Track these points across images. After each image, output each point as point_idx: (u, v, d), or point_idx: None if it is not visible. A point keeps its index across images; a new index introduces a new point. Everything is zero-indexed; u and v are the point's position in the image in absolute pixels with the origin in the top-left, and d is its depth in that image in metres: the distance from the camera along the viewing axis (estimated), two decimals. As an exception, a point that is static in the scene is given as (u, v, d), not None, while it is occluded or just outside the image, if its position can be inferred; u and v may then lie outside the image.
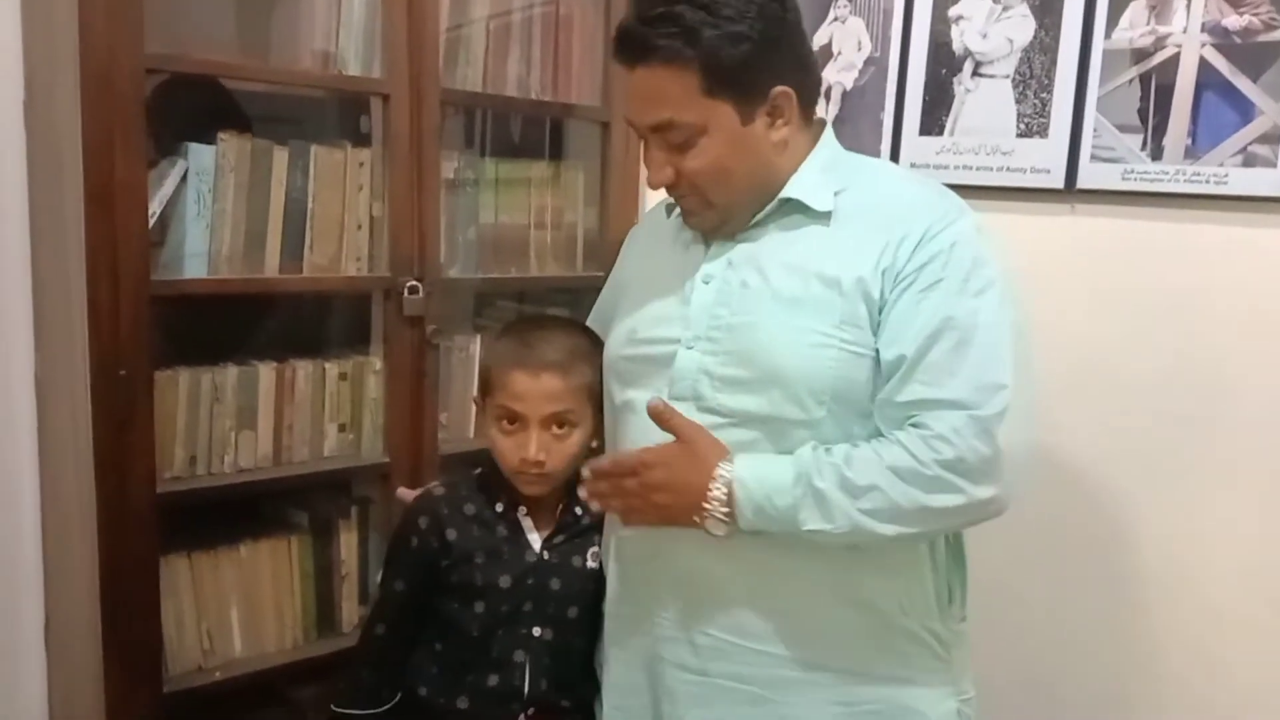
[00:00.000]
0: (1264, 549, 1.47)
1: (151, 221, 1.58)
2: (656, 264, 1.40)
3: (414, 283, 1.81)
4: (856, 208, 1.27)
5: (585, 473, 1.26)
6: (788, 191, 1.29)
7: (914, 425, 1.16)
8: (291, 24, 1.87)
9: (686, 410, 1.27)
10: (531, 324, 1.49)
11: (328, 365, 1.81)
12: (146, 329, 1.56)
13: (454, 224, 1.96)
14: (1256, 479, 1.47)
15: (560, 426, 1.39)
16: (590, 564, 1.44)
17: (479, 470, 1.48)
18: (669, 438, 1.25)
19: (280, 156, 1.72)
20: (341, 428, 1.83)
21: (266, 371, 1.75)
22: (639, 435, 1.32)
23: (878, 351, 1.21)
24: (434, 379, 1.88)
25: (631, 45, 1.21)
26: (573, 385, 1.39)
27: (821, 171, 1.30)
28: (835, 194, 1.27)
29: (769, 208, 1.30)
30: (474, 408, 1.52)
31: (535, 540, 1.43)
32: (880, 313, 1.22)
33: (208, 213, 1.65)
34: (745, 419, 1.24)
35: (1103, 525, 1.61)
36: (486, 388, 1.42)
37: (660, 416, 1.23)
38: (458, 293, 2.04)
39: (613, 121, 2.15)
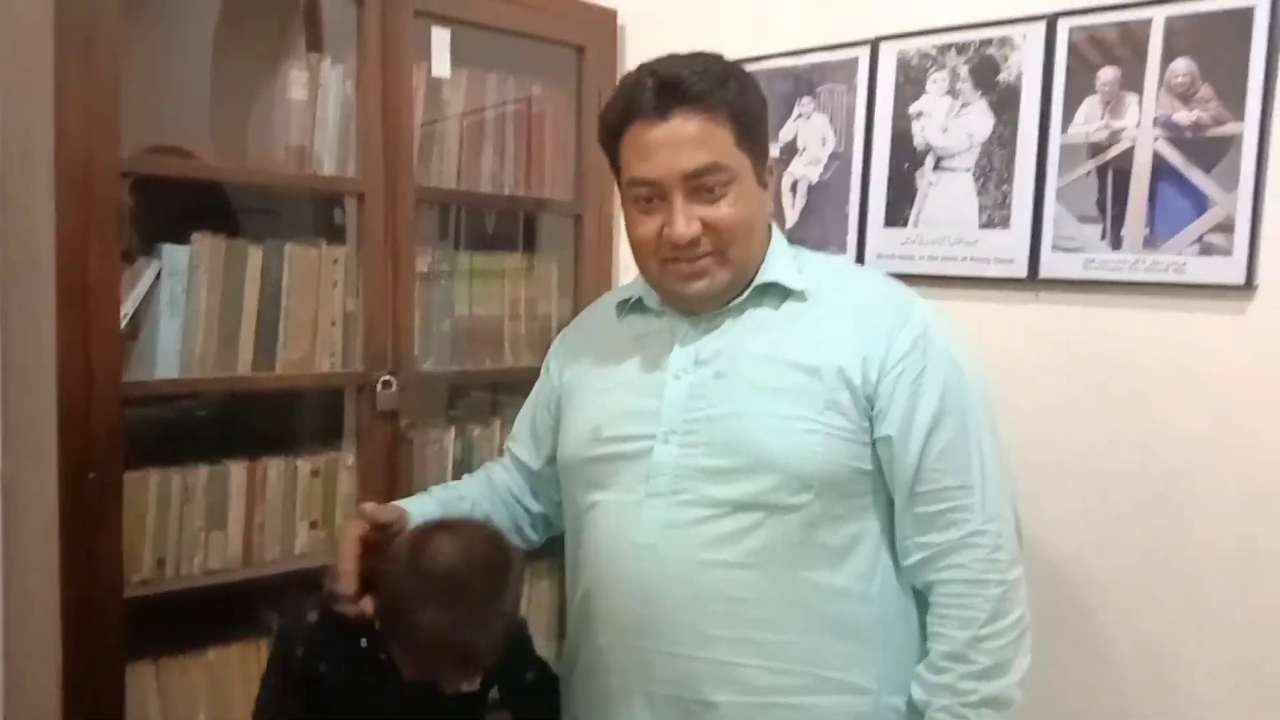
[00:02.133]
0: (1242, 633, 1.47)
1: (124, 322, 1.58)
2: (612, 364, 1.40)
3: (387, 377, 1.81)
4: (823, 296, 1.33)
5: None
6: (766, 276, 1.33)
7: (965, 545, 1.25)
8: (268, 121, 1.89)
9: (665, 505, 1.27)
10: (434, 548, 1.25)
11: (299, 462, 1.79)
12: (118, 431, 1.55)
13: (429, 317, 1.97)
14: (1229, 565, 1.48)
15: None
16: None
17: (363, 644, 1.31)
18: (641, 538, 1.26)
19: (255, 255, 1.73)
20: (313, 525, 1.81)
21: (238, 470, 1.73)
22: (605, 538, 1.32)
23: (871, 437, 1.27)
24: (408, 473, 1.87)
25: (669, 93, 1.24)
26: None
27: (789, 258, 1.37)
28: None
29: (746, 293, 1.33)
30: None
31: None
32: (868, 400, 1.27)
33: (181, 313, 1.66)
34: (738, 506, 1.25)
35: (1084, 614, 1.60)
36: None
37: None
38: (432, 385, 2.04)
39: (585, 214, 2.18)
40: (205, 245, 1.68)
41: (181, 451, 1.72)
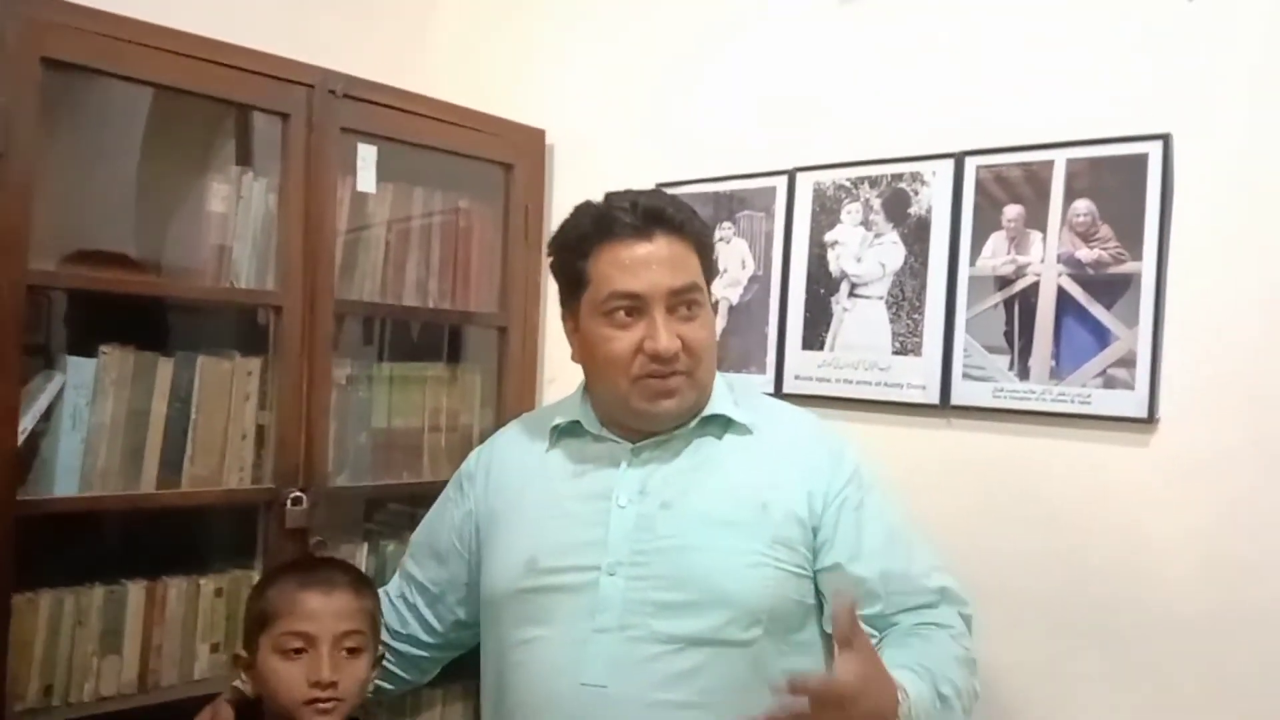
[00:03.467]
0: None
1: (21, 439, 1.52)
2: (546, 491, 1.38)
3: (297, 494, 1.77)
4: (762, 430, 1.36)
5: (785, 684, 1.08)
6: (713, 408, 1.35)
7: (928, 624, 1.29)
8: (188, 232, 1.87)
9: (613, 642, 1.23)
10: (304, 560, 1.49)
11: (203, 581, 1.73)
12: (8, 550, 1.48)
13: (345, 429, 1.93)
14: (1152, 687, 1.48)
15: (351, 651, 1.35)
16: None
17: None
18: (588, 678, 1.22)
19: (165, 368, 1.69)
20: (214, 648, 1.74)
21: (136, 590, 1.66)
22: (544, 679, 1.26)
23: (813, 568, 1.30)
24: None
25: (651, 217, 1.30)
26: (364, 606, 1.38)
27: (726, 389, 1.39)
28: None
29: (693, 422, 1.34)
30: (237, 665, 1.43)
31: None
32: (813, 531, 1.30)
33: (83, 427, 1.60)
34: (689, 643, 1.22)
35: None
36: (263, 624, 1.36)
37: (851, 629, 1.08)
38: (346, 500, 1.99)
39: (510, 326, 2.19)
40: (113, 359, 1.64)
41: (78, 572, 1.65)
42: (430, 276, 2.10)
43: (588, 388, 1.43)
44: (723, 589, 1.23)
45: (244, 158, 1.91)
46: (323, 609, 1.34)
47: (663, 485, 1.31)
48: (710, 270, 1.38)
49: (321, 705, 1.31)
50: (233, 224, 1.81)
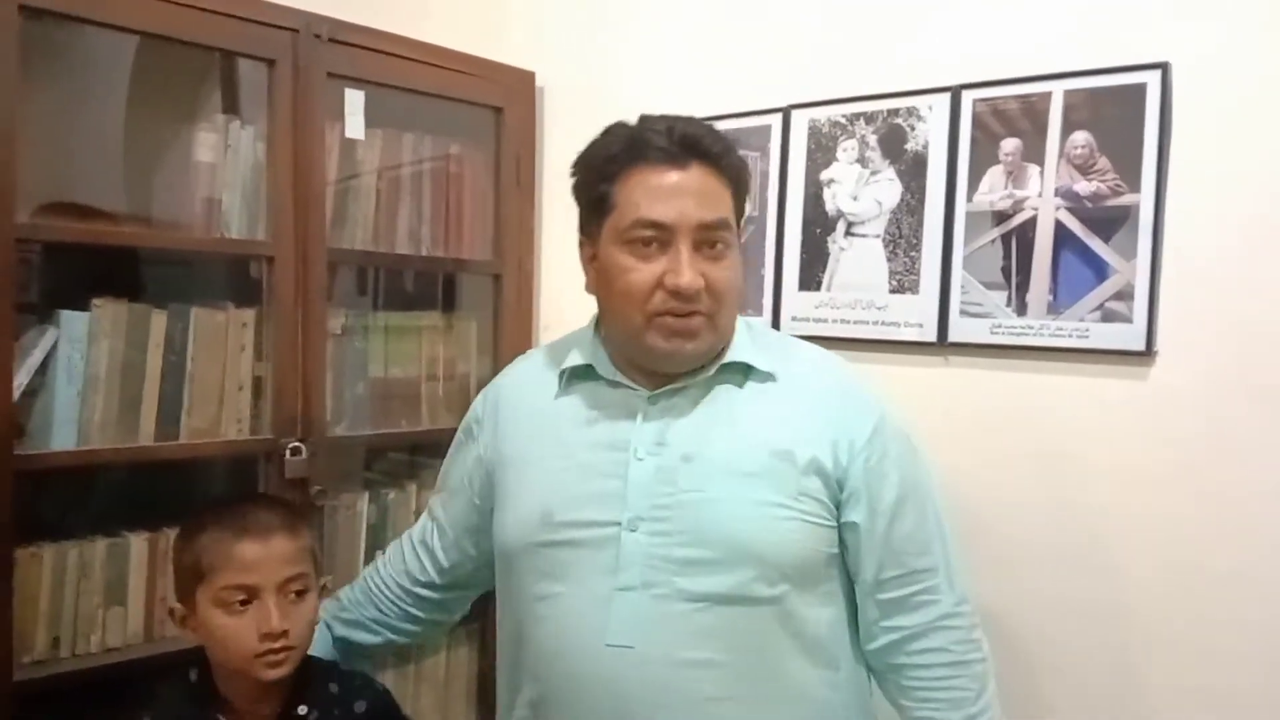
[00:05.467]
0: (1163, 694, 1.49)
1: (18, 393, 1.52)
2: (558, 440, 1.29)
3: (296, 444, 1.77)
4: (784, 377, 1.28)
5: None
6: (735, 354, 1.27)
7: (939, 627, 1.25)
8: (177, 183, 1.85)
9: (638, 601, 1.18)
10: (229, 505, 1.37)
11: (205, 533, 1.74)
12: (8, 505, 1.48)
13: (341, 379, 1.93)
14: (1146, 620, 1.50)
15: (299, 594, 1.30)
16: None
17: (192, 678, 1.33)
18: (614, 638, 1.17)
19: (158, 320, 1.69)
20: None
21: (138, 543, 1.68)
22: (566, 638, 1.22)
23: (838, 521, 1.24)
24: (319, 540, 1.82)
25: (688, 144, 1.20)
26: (303, 545, 1.33)
27: (747, 335, 1.31)
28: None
29: (713, 369, 1.26)
30: (174, 619, 1.34)
31: None
32: (838, 484, 1.24)
33: (79, 381, 1.60)
34: (715, 601, 1.18)
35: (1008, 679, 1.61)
36: (199, 577, 1.28)
37: None
38: (346, 450, 2.00)
39: (504, 273, 2.17)
40: (106, 311, 1.63)
41: (80, 525, 1.66)
42: (423, 224, 2.08)
43: (600, 324, 1.34)
44: (748, 545, 1.18)
45: (231, 106, 1.89)
46: (263, 557, 1.28)
47: (682, 436, 1.23)
48: (742, 209, 1.28)
49: (273, 658, 1.26)
50: (221, 173, 1.79)
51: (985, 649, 1.28)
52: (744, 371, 1.28)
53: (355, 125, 1.90)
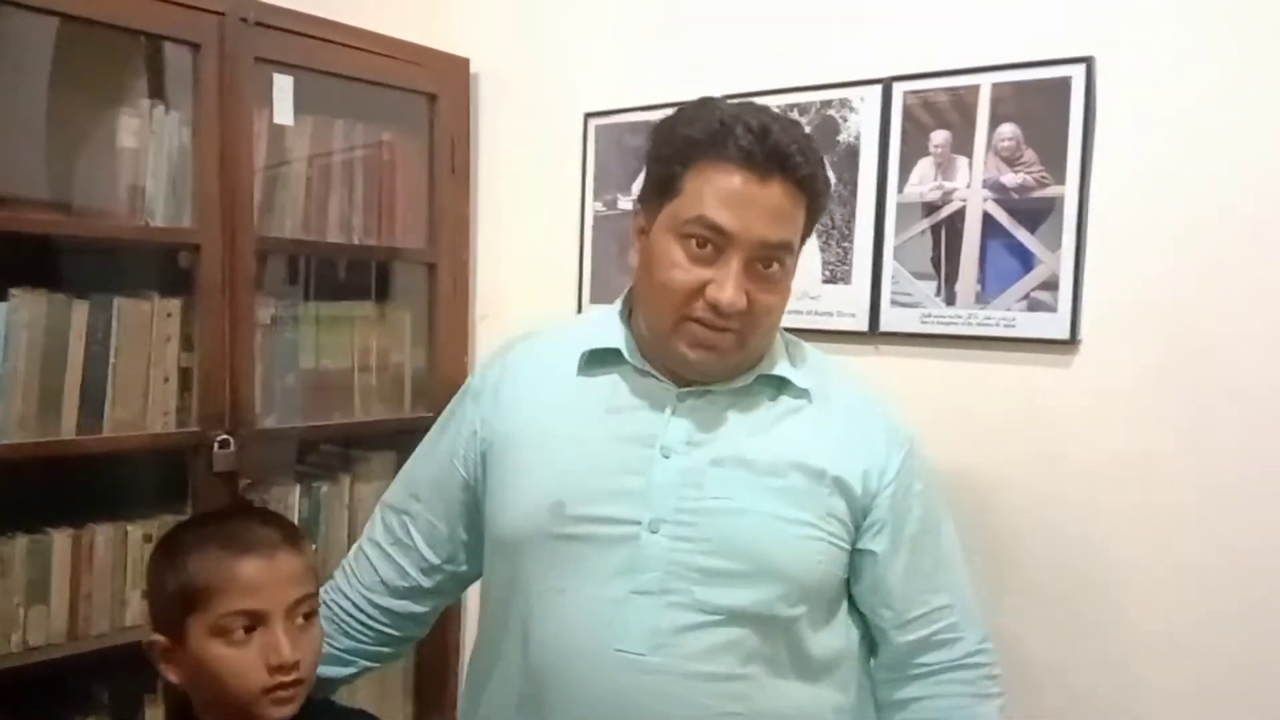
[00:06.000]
0: (1087, 663, 1.53)
1: (-69, 387, 1.48)
2: (573, 424, 1.21)
3: (225, 436, 1.74)
4: (819, 396, 1.24)
5: None
6: (774, 368, 1.22)
7: (964, 665, 1.24)
8: (99, 170, 1.80)
9: (653, 607, 1.12)
10: (219, 518, 1.23)
11: (130, 528, 1.71)
12: (-79, 502, 1.44)
13: (271, 370, 1.90)
14: (1072, 602, 1.53)
15: (305, 617, 1.15)
16: None
17: None
18: (625, 644, 1.12)
19: (80, 311, 1.65)
20: (145, 594, 1.71)
21: (61, 539, 1.64)
22: (574, 637, 1.14)
23: (852, 547, 1.21)
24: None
25: (774, 157, 1.11)
26: (309, 562, 1.18)
27: (790, 350, 1.27)
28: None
29: (750, 379, 1.21)
30: (152, 654, 1.16)
31: None
32: (862, 512, 1.21)
33: (-4, 374, 1.56)
34: (733, 617, 1.13)
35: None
36: (190, 604, 1.11)
37: None
38: (276, 442, 1.96)
39: (439, 262, 2.15)
40: (24, 300, 1.59)
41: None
42: (354, 212, 2.05)
43: (635, 305, 1.24)
44: (775, 561, 1.14)
45: (156, 91, 1.84)
46: (269, 577, 1.12)
47: (713, 439, 1.17)
48: (810, 230, 1.20)
49: (283, 693, 1.11)
50: (146, 160, 1.75)
51: (1002, 685, 1.27)
52: (778, 385, 1.22)
53: (284, 111, 1.87)
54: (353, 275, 2.21)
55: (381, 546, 1.35)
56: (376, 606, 1.34)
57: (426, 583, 1.34)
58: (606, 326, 1.25)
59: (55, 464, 1.70)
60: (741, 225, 1.11)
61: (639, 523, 1.14)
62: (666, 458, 1.16)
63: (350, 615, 1.34)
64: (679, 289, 1.12)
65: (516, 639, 1.20)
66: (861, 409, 1.26)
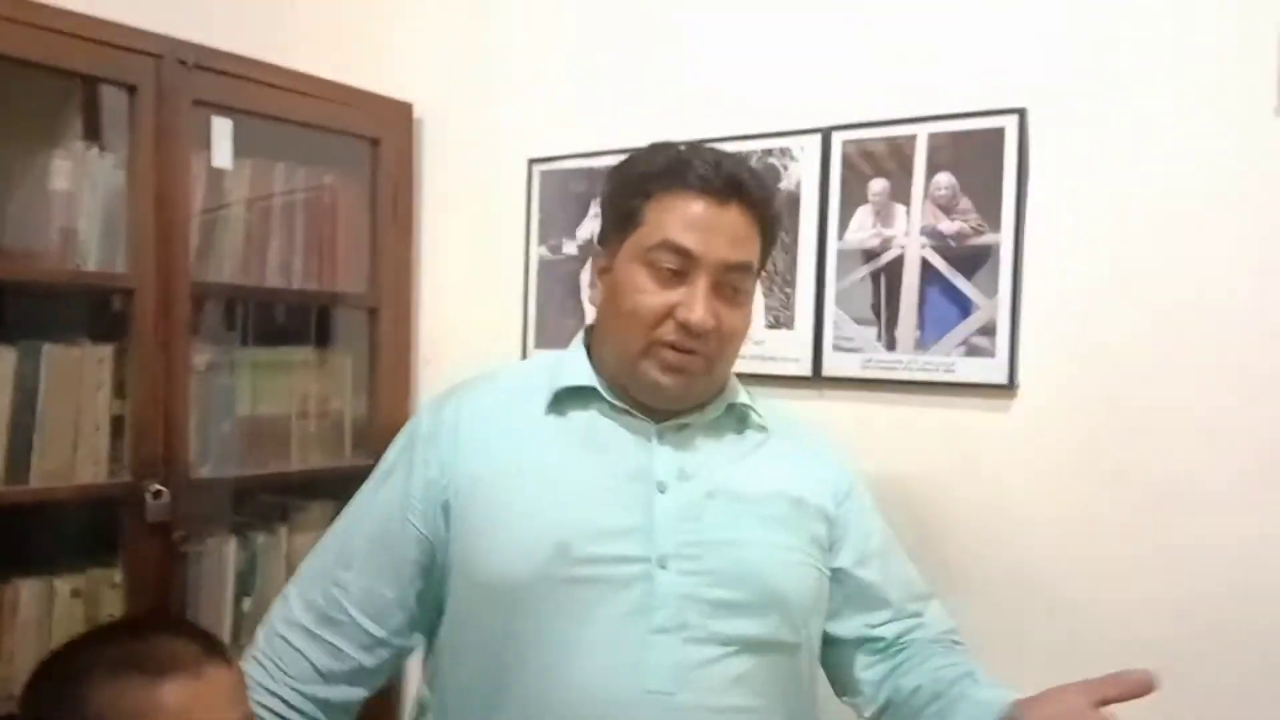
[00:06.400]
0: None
1: None
2: (555, 463, 1.18)
3: (158, 487, 1.69)
4: (775, 430, 1.29)
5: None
6: (739, 397, 1.26)
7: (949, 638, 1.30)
8: (30, 213, 1.76)
9: (674, 644, 1.11)
10: (125, 635, 1.01)
11: (57, 582, 1.65)
12: None
13: (207, 418, 1.86)
14: (1013, 641, 1.54)
15: None
16: None
17: None
18: (653, 683, 1.10)
19: (7, 357, 1.60)
20: None
21: (-17, 594, 1.58)
22: (596, 682, 1.10)
23: (831, 569, 1.26)
24: (181, 589, 1.75)
25: (731, 183, 1.16)
26: (239, 677, 1.01)
27: (743, 386, 1.31)
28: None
29: (718, 409, 1.24)
30: None
31: None
32: (833, 534, 1.26)
33: (-85, 423, 1.51)
34: (744, 646, 1.14)
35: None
36: None
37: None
38: (211, 492, 1.91)
39: (380, 307, 2.13)
40: (-53, 348, 1.54)
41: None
42: (295, 256, 2.03)
43: (595, 344, 1.25)
44: (777, 589, 1.17)
45: (91, 133, 1.81)
46: (198, 703, 0.93)
47: (701, 471, 1.18)
48: (766, 258, 1.25)
49: None
50: (79, 202, 1.71)
51: None
52: (741, 418, 1.26)
53: (222, 154, 1.85)
54: (292, 320, 2.18)
55: (306, 628, 1.20)
56: (311, 700, 1.19)
57: (369, 661, 1.21)
58: (574, 365, 1.24)
59: (-22, 516, 1.65)
60: (705, 247, 1.14)
61: (648, 559, 1.13)
62: (663, 492, 1.16)
63: (282, 716, 1.18)
64: (648, 312, 1.15)
65: (518, 691, 1.13)
66: (809, 438, 1.33)
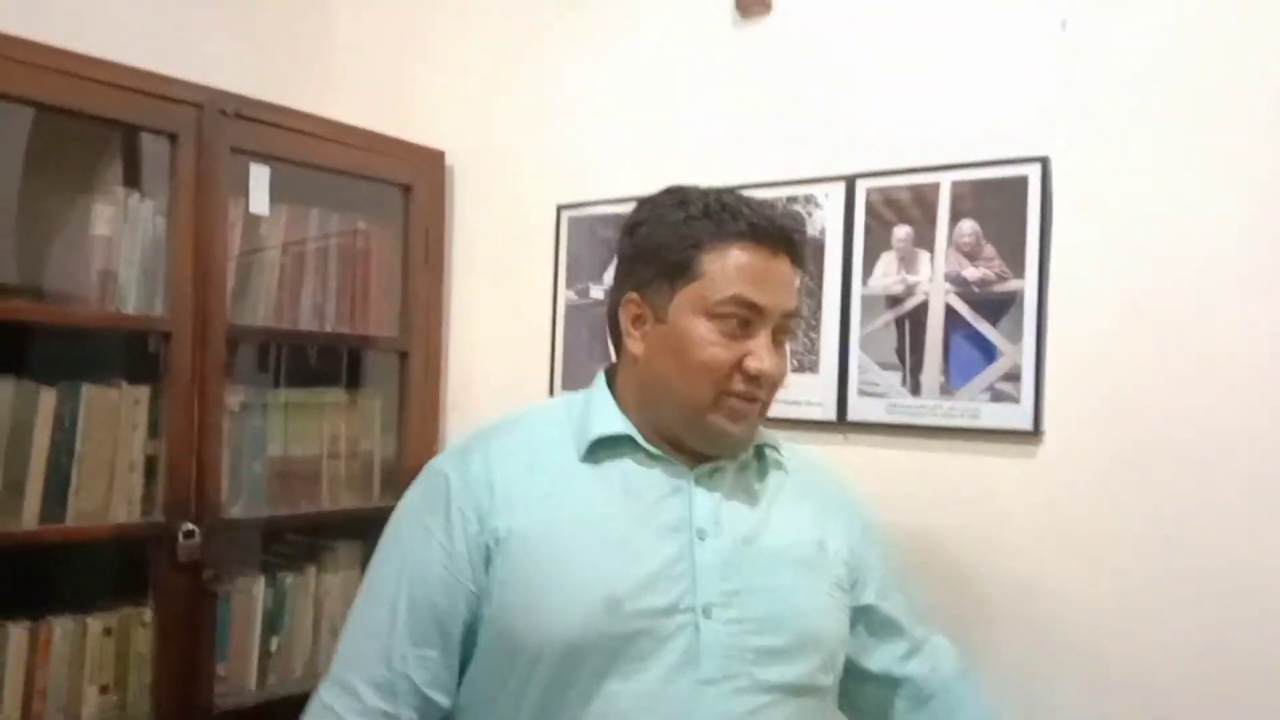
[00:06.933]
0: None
1: (-111, 474, 1.46)
2: (598, 515, 1.16)
3: (190, 526, 1.72)
4: (794, 470, 1.30)
5: None
6: (763, 438, 1.27)
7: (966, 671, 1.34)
8: (72, 256, 1.81)
9: (721, 695, 1.10)
10: None
11: (90, 620, 1.67)
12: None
13: (239, 458, 1.89)
14: (1035, 687, 1.53)
15: None
16: None
17: None
18: None
19: (47, 398, 1.64)
20: (103, 689, 1.67)
21: (18, 632, 1.60)
22: None
23: (852, 607, 1.27)
24: (210, 629, 1.76)
25: (781, 237, 1.18)
26: None
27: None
28: None
29: (747, 452, 1.25)
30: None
31: None
32: (853, 574, 1.28)
33: (-42, 461, 1.54)
34: (787, 692, 1.14)
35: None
36: None
37: None
38: (242, 532, 1.94)
39: (411, 350, 2.16)
40: (-10, 388, 1.58)
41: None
42: (328, 300, 2.07)
43: (639, 393, 1.22)
44: (818, 634, 1.18)
45: (131, 179, 1.86)
46: None
47: (736, 517, 1.19)
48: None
49: None
50: (118, 247, 1.76)
51: None
52: (765, 458, 1.28)
53: (260, 200, 1.89)
54: (324, 362, 2.21)
55: (386, 713, 1.13)
56: None
57: None
58: (604, 412, 1.22)
59: (15, 553, 1.68)
60: (771, 300, 1.16)
61: (692, 609, 1.12)
62: (702, 539, 1.15)
63: None
64: (719, 365, 1.15)
65: None
66: (829, 479, 1.36)
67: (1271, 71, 1.39)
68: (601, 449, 1.20)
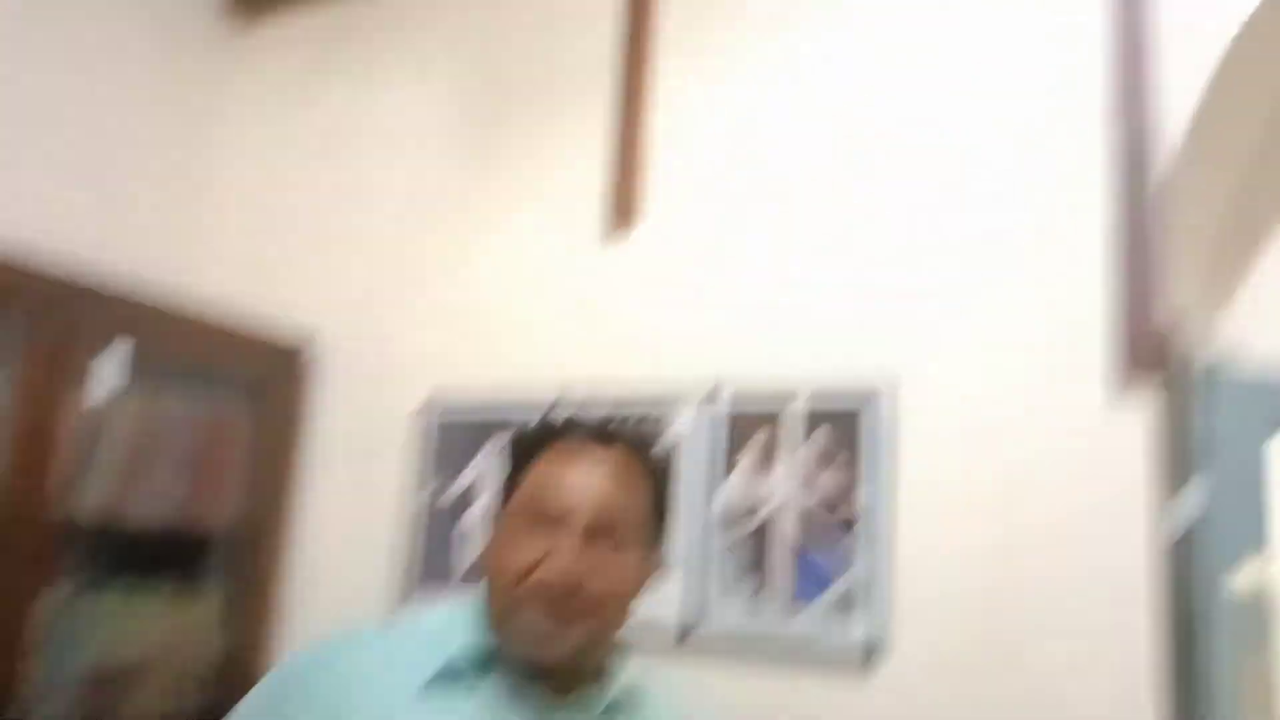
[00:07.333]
0: None
1: None
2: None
3: (-7, 736, 1.57)
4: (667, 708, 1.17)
5: None
6: (626, 678, 1.12)
7: None
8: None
9: None
10: None
11: None
12: None
13: (54, 661, 1.74)
14: None
15: None
16: None
17: None
18: None
19: None
20: None
21: None
22: None
23: None
24: None
25: (612, 434, 1.11)
26: None
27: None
28: None
29: (611, 695, 1.09)
30: None
31: None
32: None
33: None
34: None
35: None
36: None
37: None
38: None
39: (259, 540, 2.07)
40: None
41: None
42: (174, 488, 1.97)
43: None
44: None
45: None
46: None
47: None
48: (660, 512, 1.14)
49: None
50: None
51: None
52: (630, 696, 1.12)
53: (106, 384, 1.82)
54: (161, 556, 2.08)
55: None
56: None
57: None
58: (465, 630, 1.09)
59: None
60: (579, 493, 1.06)
61: None
62: None
63: None
64: (514, 565, 1.03)
65: None
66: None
67: (1089, 314, 1.53)
68: (453, 672, 1.05)
